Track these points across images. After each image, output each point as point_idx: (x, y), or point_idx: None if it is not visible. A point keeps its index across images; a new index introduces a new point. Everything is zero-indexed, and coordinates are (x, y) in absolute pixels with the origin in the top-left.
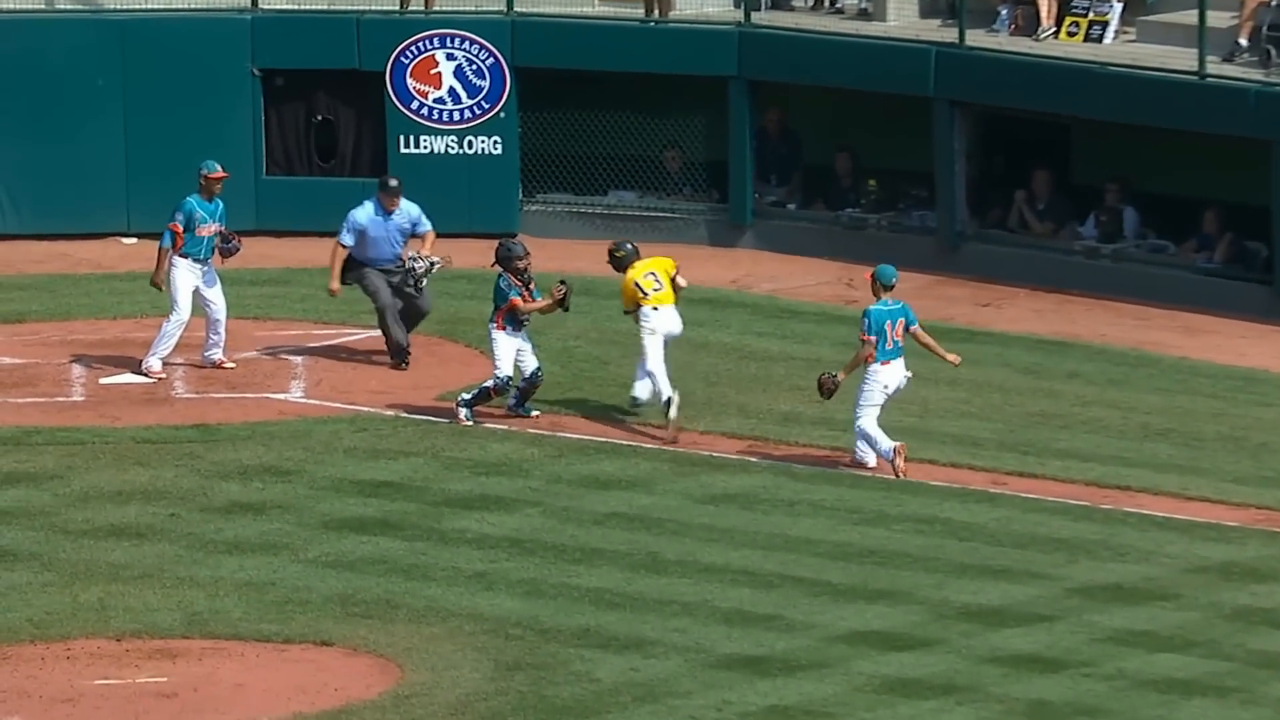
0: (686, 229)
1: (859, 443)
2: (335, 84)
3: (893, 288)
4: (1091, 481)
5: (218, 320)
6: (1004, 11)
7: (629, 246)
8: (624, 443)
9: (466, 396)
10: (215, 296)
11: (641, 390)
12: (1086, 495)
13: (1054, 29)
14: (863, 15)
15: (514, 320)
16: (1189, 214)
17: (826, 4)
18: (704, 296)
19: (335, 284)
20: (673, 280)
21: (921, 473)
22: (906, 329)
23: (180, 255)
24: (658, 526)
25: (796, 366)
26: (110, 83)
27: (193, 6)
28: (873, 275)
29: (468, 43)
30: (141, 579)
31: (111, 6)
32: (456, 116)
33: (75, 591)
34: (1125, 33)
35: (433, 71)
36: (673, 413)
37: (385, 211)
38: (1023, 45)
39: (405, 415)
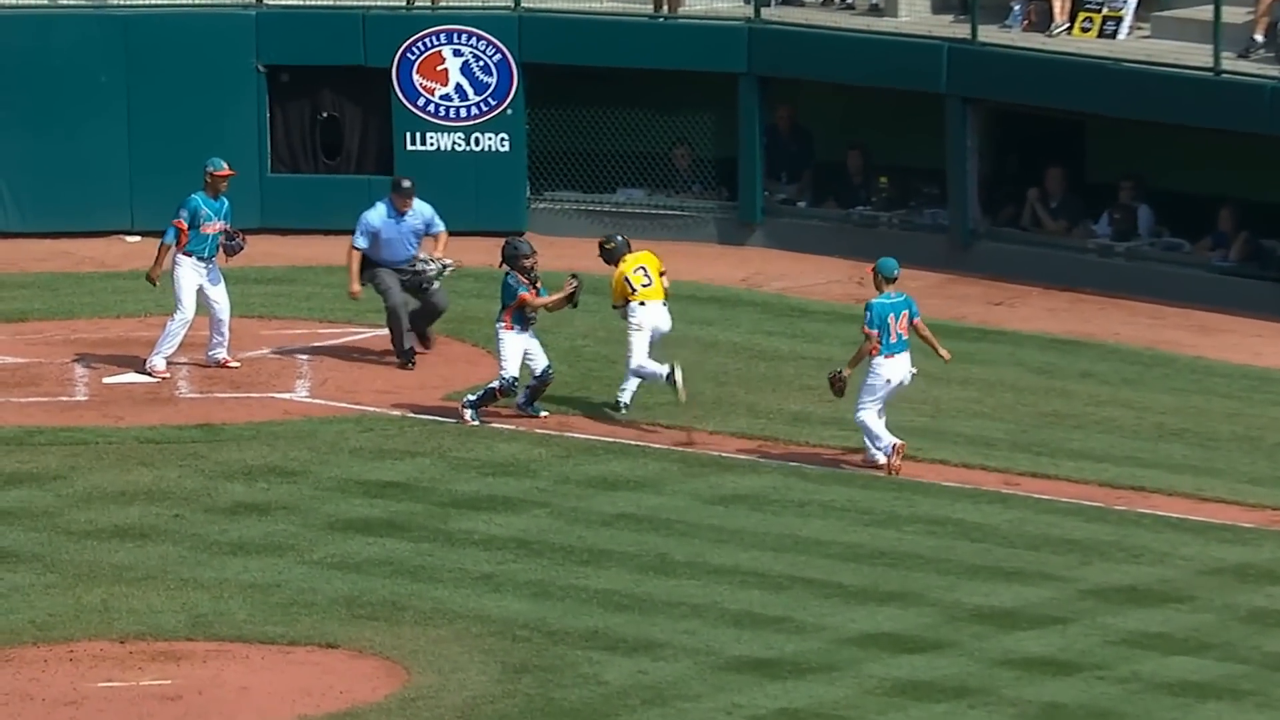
0: (696, 227)
1: (871, 442)
2: (341, 80)
3: (895, 280)
4: (1105, 482)
5: (221, 320)
6: (1017, 7)
7: (619, 239)
8: (632, 443)
9: (472, 398)
10: (219, 296)
11: (627, 395)
12: (1100, 496)
13: (1067, 24)
14: (874, 11)
15: (523, 318)
16: (1204, 212)
17: (837, 0)
18: (713, 295)
19: (355, 286)
20: (660, 276)
21: (933, 473)
22: (911, 322)
23: (184, 253)
24: (666, 528)
25: (807, 366)
26: (114, 79)
27: (197, 2)
28: (874, 269)
29: (474, 38)
30: (145, 580)
31: (115, 1)
32: (463, 113)
33: (78, 593)
34: (1139, 28)
35: (439, 68)
36: (679, 380)
37: (398, 213)
38: (1036, 41)
39: (411, 415)
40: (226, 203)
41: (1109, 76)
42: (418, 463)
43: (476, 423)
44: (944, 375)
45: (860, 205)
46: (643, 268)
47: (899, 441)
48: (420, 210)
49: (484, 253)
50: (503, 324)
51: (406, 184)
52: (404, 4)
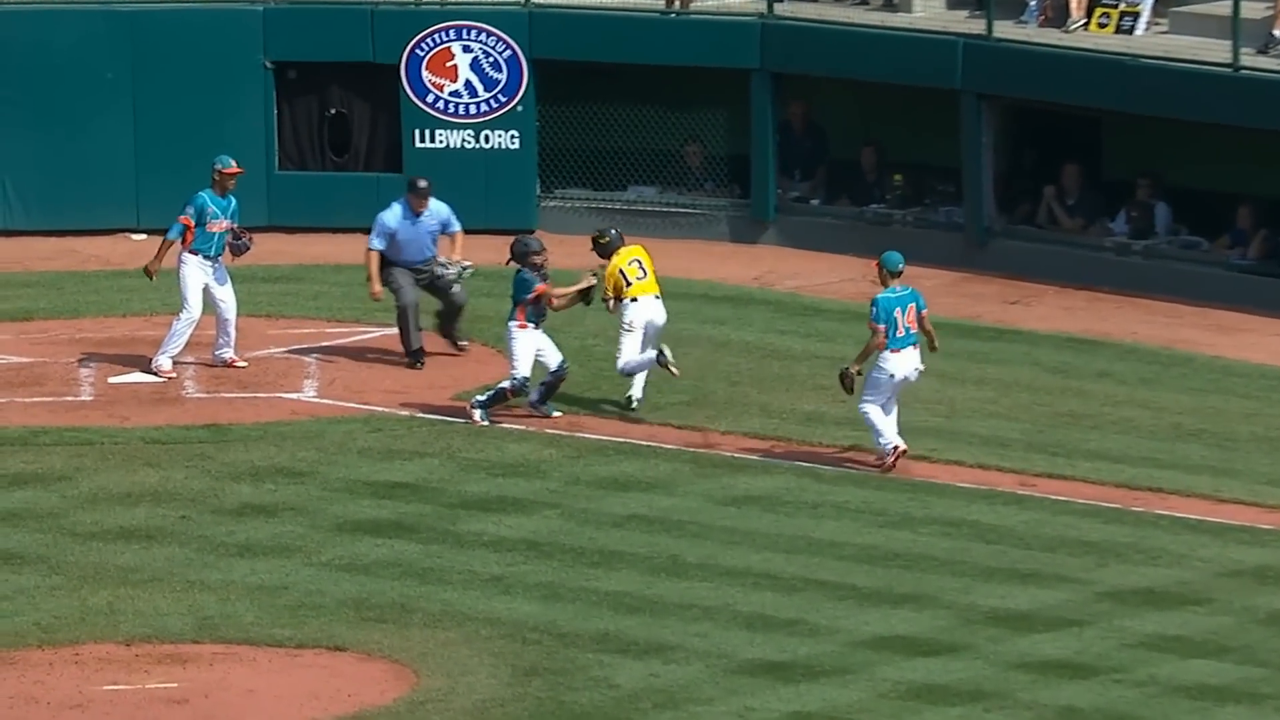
0: (708, 225)
1: (874, 437)
2: (349, 77)
3: (900, 274)
4: (1122, 483)
5: (228, 319)
6: (1033, 2)
7: (613, 232)
8: (644, 443)
9: (481, 398)
10: (226, 295)
11: (638, 389)
12: (1117, 497)
13: (1084, 20)
14: (888, 6)
15: (537, 314)
16: (1222, 209)
17: None
18: (725, 294)
19: (376, 287)
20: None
21: (948, 474)
22: (919, 315)
23: (190, 252)
24: (678, 529)
25: (820, 365)
26: (119, 75)
27: None
28: (879, 263)
29: (484, 35)
30: (151, 582)
31: None
32: (473, 110)
33: (84, 595)
34: (1157, 24)
35: (448, 64)
36: (669, 357)
37: (414, 213)
38: (1052, 37)
39: (420, 415)
40: (234, 201)
41: (1126, 73)
42: (426, 463)
43: (486, 423)
44: (959, 375)
45: (874, 203)
46: (637, 260)
47: (902, 446)
48: (437, 210)
49: (494, 251)
50: (516, 321)
51: (423, 184)
52: (412, 0)
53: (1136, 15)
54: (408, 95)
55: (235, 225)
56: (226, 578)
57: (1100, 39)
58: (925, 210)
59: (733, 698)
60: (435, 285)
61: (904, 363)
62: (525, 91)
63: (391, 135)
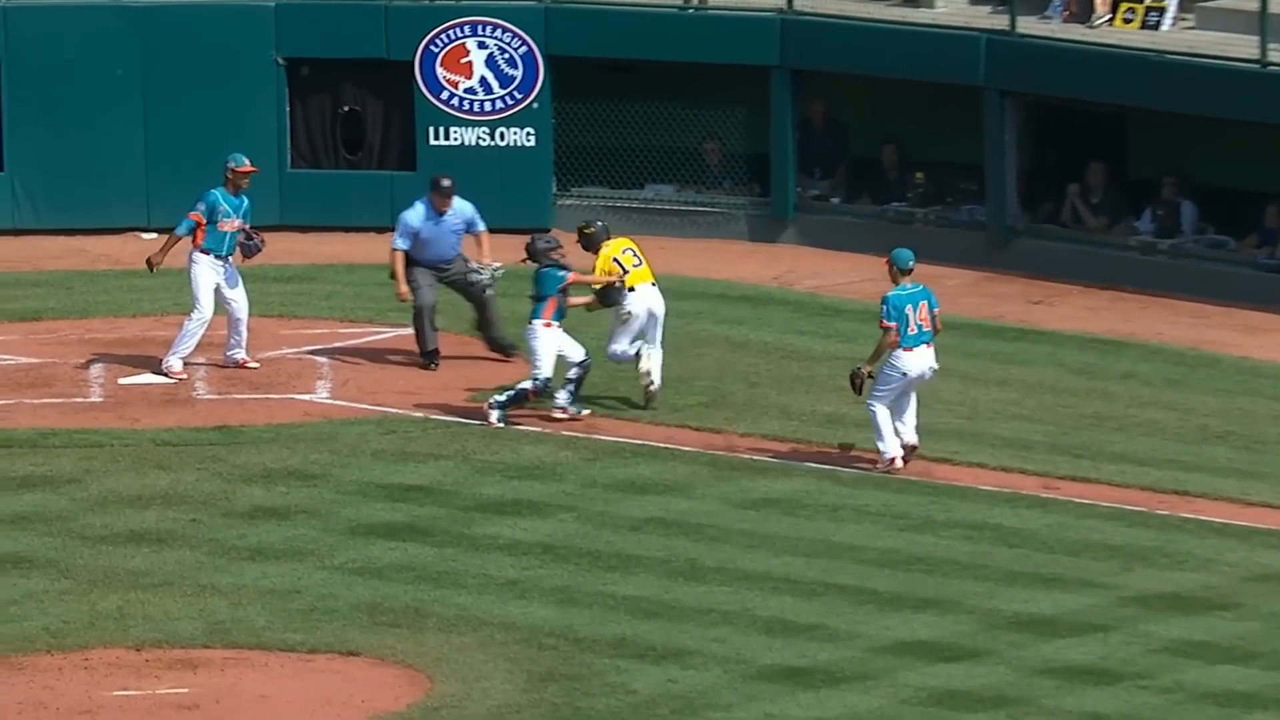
0: (726, 224)
1: (876, 438)
2: (362, 74)
3: (910, 271)
4: (1147, 486)
5: (239, 320)
6: None
7: (599, 224)
8: (661, 445)
9: (500, 398)
10: (237, 296)
11: (632, 349)
12: (1142, 500)
13: (1109, 16)
14: (910, 2)
15: (563, 310)
16: (1249, 208)
17: None
18: (744, 294)
19: (402, 287)
20: None
21: (970, 476)
22: (931, 312)
23: (201, 251)
24: (696, 532)
25: (840, 366)
26: (130, 72)
27: None
28: (889, 260)
29: (500, 30)
30: (162, 586)
31: None
32: (488, 107)
33: (93, 599)
34: (1183, 19)
35: (463, 60)
36: (646, 365)
37: (437, 213)
38: (1076, 33)
39: (434, 417)
40: (246, 201)
41: (1152, 69)
42: (441, 466)
43: (501, 425)
44: (981, 376)
45: (896, 201)
46: (631, 249)
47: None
48: (460, 209)
49: (509, 250)
50: (542, 320)
51: (446, 183)
52: None
53: (1162, 10)
54: (422, 92)
55: (246, 226)
56: (238, 581)
57: (1125, 34)
58: (947, 209)
59: (752, 704)
60: (468, 290)
61: (918, 361)
62: (541, 88)
63: (405, 133)
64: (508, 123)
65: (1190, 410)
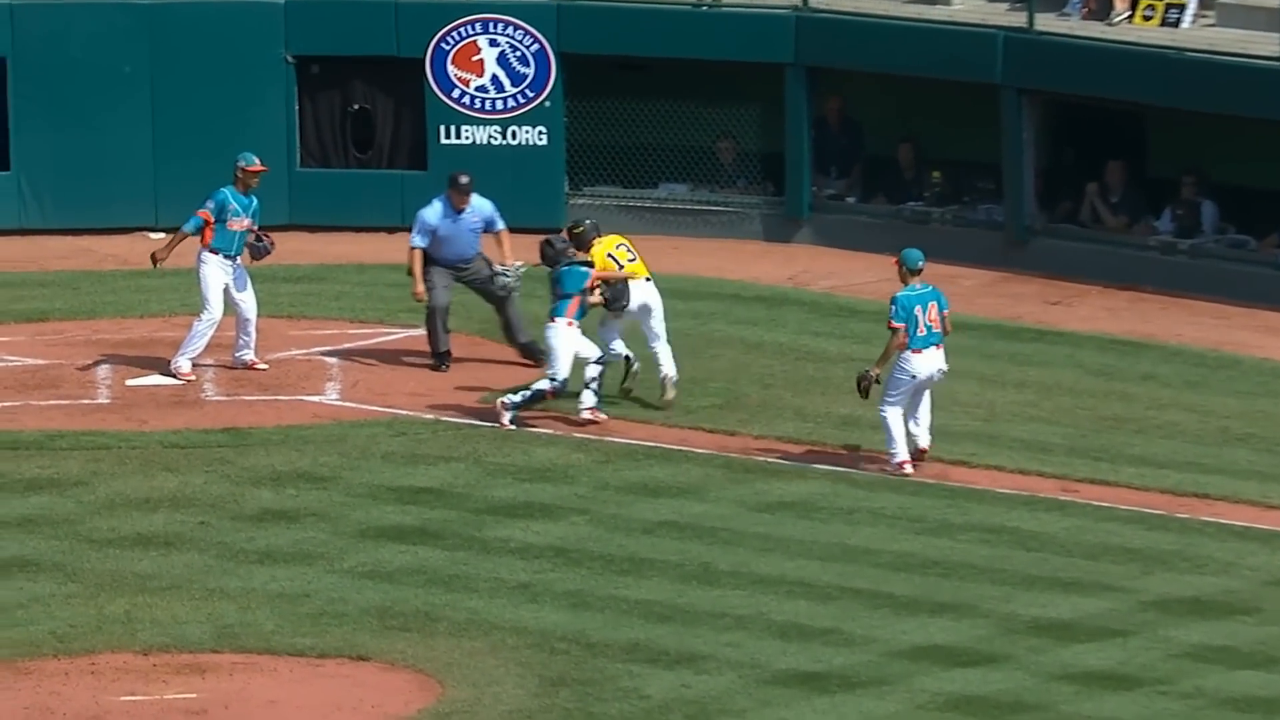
0: (740, 223)
1: (887, 443)
2: (372, 71)
3: (920, 272)
4: (1167, 489)
5: (248, 320)
6: None
7: (588, 222)
8: (674, 447)
9: (515, 399)
10: (246, 298)
11: (669, 367)
12: (1162, 503)
13: (1128, 13)
14: None
15: (584, 309)
16: (1271, 207)
17: None
18: (758, 294)
19: (419, 287)
20: None
21: (988, 479)
22: (940, 313)
23: (210, 251)
24: (710, 536)
25: (856, 367)
26: (137, 70)
27: None
28: (898, 260)
29: (511, 28)
30: (170, 590)
31: None
32: (499, 105)
33: (100, 603)
34: (1204, 16)
35: (475, 58)
36: (635, 370)
37: (455, 210)
38: (1095, 30)
39: (445, 419)
40: (256, 201)
41: (1171, 67)
42: (452, 468)
43: (513, 427)
44: (999, 378)
45: (912, 200)
46: (624, 244)
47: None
48: (479, 207)
49: (522, 250)
50: (564, 319)
51: (464, 180)
52: None
53: (1182, 8)
54: (433, 90)
55: (255, 227)
56: (247, 585)
57: (1145, 32)
58: (964, 208)
59: (766, 709)
60: (487, 291)
61: (927, 363)
62: (553, 86)
63: (416, 131)
64: (519, 121)
65: (1211, 412)
